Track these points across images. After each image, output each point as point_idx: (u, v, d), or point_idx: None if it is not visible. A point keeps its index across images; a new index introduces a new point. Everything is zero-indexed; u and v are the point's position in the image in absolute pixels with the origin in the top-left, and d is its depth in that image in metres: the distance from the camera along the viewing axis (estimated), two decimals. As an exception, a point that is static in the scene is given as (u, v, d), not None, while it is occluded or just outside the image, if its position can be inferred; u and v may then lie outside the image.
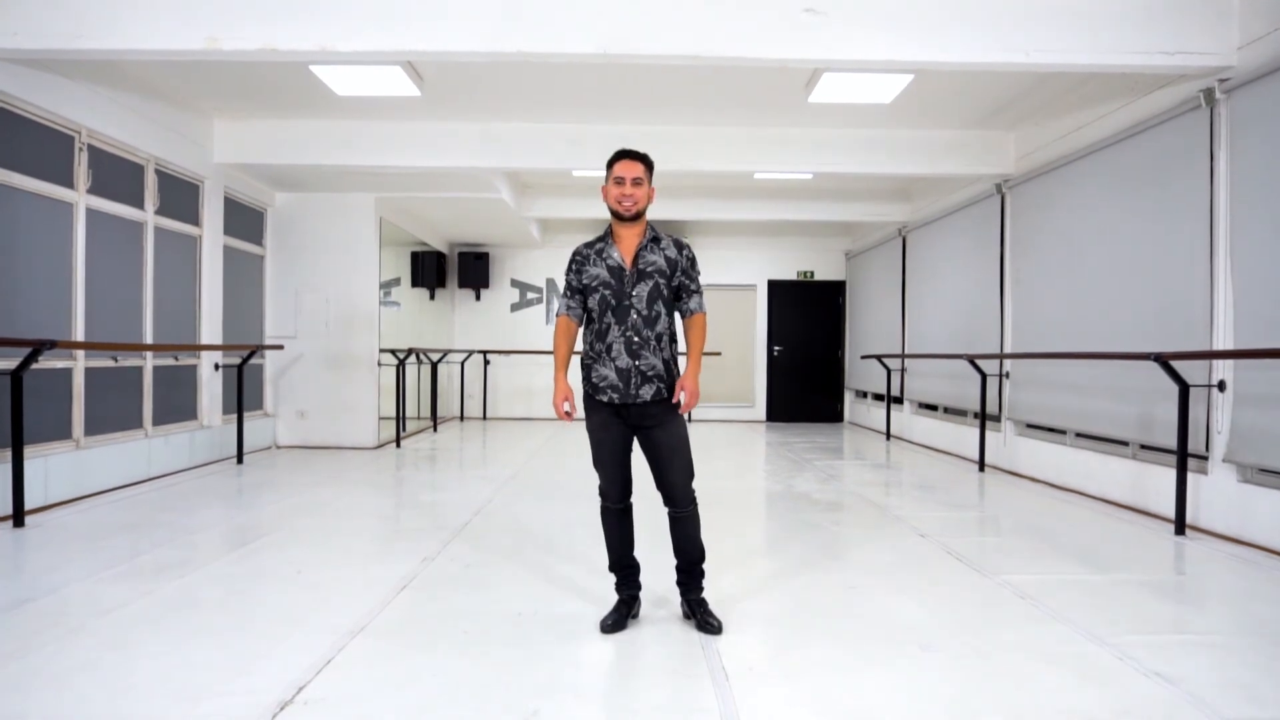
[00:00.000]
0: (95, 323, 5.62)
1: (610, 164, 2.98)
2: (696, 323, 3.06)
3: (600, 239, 3.03)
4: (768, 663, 2.74)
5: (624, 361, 2.93)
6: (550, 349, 12.57)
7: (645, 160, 2.98)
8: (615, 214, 2.97)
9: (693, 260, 3.05)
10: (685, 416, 3.03)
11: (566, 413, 2.98)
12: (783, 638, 2.97)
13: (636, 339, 2.94)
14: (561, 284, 11.76)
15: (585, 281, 3.00)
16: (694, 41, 4.54)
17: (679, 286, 3.03)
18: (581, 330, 3.08)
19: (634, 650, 2.83)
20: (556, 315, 3.12)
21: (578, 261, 3.03)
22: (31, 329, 4.99)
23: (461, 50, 4.54)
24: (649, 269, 2.96)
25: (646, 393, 2.93)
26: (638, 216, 2.96)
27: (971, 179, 7.85)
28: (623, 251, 2.98)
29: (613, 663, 2.74)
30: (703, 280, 3.12)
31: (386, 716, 2.29)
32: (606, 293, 2.95)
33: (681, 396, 2.95)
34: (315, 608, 3.21)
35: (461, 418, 11.90)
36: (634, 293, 2.94)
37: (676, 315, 3.09)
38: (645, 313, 2.95)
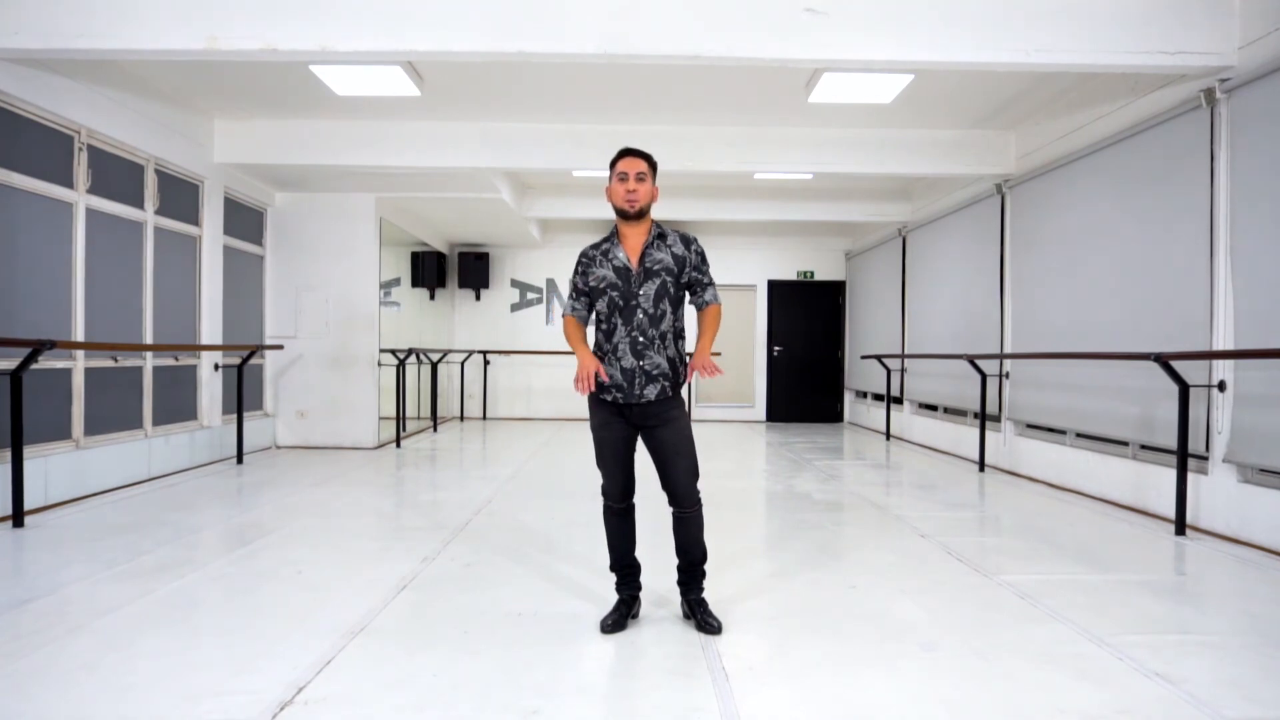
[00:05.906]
0: (95, 323, 5.62)
1: (613, 162, 3.00)
2: (711, 311, 3.07)
3: (606, 239, 3.04)
4: (768, 663, 2.73)
5: (629, 362, 2.93)
6: (550, 349, 12.52)
7: (648, 158, 3.00)
8: (620, 212, 2.98)
9: (702, 255, 3.06)
10: (689, 414, 3.04)
11: (596, 380, 2.90)
12: (783, 638, 2.97)
13: (642, 339, 2.94)
14: (562, 283, 11.89)
15: (592, 284, 3.00)
16: (694, 41, 4.54)
17: (691, 282, 3.03)
18: (590, 330, 3.09)
19: (634, 650, 2.83)
20: (563, 315, 3.12)
21: (584, 264, 3.03)
22: (31, 329, 4.98)
23: (461, 50, 4.54)
24: (656, 267, 2.96)
25: (651, 392, 2.94)
26: (642, 214, 2.97)
27: (971, 179, 7.85)
28: (628, 251, 2.98)
29: (613, 662, 2.74)
30: (707, 277, 3.12)
31: (386, 716, 2.29)
32: (614, 294, 2.96)
33: (697, 374, 2.96)
34: (315, 608, 3.21)
35: (461, 418, 11.90)
36: (641, 292, 2.94)
37: (684, 311, 3.09)
38: (651, 312, 2.95)
